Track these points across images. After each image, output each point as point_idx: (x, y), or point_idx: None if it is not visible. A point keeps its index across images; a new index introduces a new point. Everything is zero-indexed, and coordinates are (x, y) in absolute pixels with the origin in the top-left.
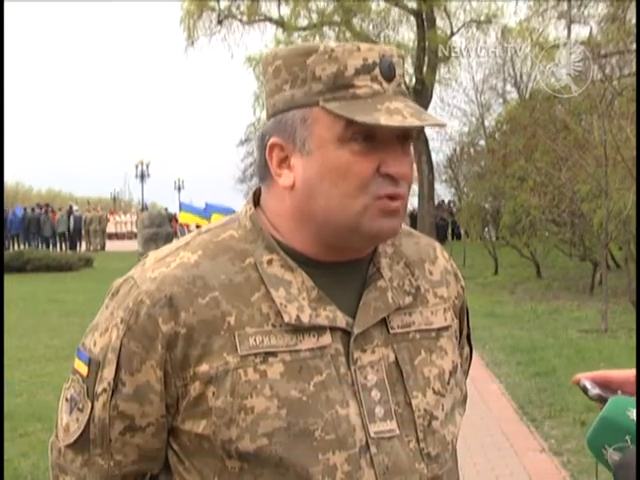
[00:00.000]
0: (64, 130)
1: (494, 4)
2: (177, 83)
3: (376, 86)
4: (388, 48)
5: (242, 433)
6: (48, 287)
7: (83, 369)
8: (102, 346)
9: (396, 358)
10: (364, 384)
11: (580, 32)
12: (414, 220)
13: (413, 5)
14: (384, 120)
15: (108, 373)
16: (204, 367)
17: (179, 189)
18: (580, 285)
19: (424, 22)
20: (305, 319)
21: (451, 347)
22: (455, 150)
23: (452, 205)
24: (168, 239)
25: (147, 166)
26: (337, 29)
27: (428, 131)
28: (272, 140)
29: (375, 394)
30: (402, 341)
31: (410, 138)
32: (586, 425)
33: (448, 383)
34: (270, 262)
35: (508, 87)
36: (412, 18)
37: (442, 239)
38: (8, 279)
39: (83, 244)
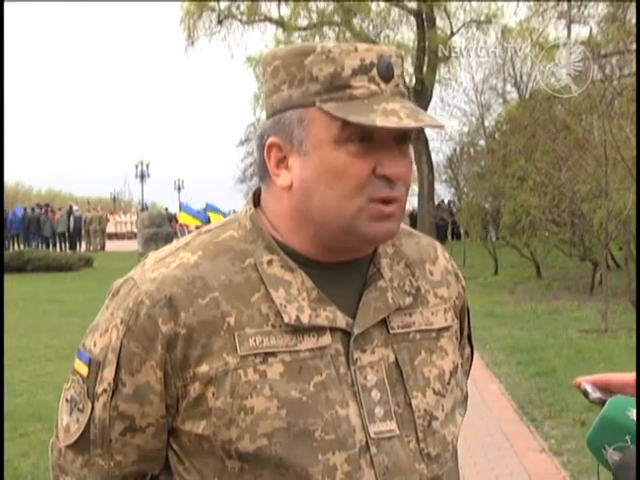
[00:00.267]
0: (64, 130)
1: (494, 4)
2: (177, 83)
3: (373, 87)
4: (386, 48)
5: (242, 433)
6: (48, 287)
7: (83, 370)
8: (102, 346)
9: (396, 358)
10: (364, 384)
11: (580, 32)
12: (414, 220)
13: (413, 5)
14: (380, 121)
15: (108, 374)
16: (204, 368)
17: (179, 189)
18: (580, 285)
19: (424, 22)
20: (305, 319)
21: (451, 347)
22: (455, 150)
23: (452, 205)
24: (168, 239)
25: (147, 166)
26: (337, 29)
27: (428, 131)
28: (270, 140)
29: (375, 394)
30: (402, 341)
31: (408, 139)
32: (586, 425)
33: (448, 383)
34: (270, 262)
35: (508, 87)
36: (412, 18)
37: (442, 239)
38: (8, 279)
39: (83, 244)
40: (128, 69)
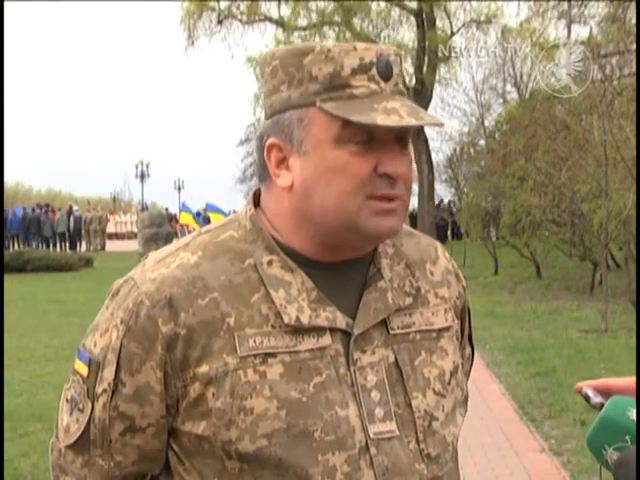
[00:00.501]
0: (64, 130)
1: (494, 4)
2: (177, 83)
3: (373, 86)
4: (385, 47)
5: (242, 434)
6: (48, 287)
7: (83, 370)
8: (102, 347)
9: (396, 359)
10: (364, 385)
11: (580, 32)
12: (414, 220)
13: (413, 5)
14: (381, 120)
15: (108, 374)
16: (204, 368)
17: (179, 189)
18: (580, 285)
19: (424, 22)
20: (305, 320)
21: (452, 348)
22: (455, 150)
23: (452, 205)
24: (168, 239)
25: (147, 166)
26: (337, 29)
27: (428, 131)
28: (270, 141)
29: (375, 395)
30: (402, 342)
31: (408, 138)
32: (586, 425)
33: (449, 384)
34: (270, 263)
35: (508, 87)
36: (412, 18)
37: (442, 239)
38: (8, 279)
39: (83, 244)
40: (128, 69)
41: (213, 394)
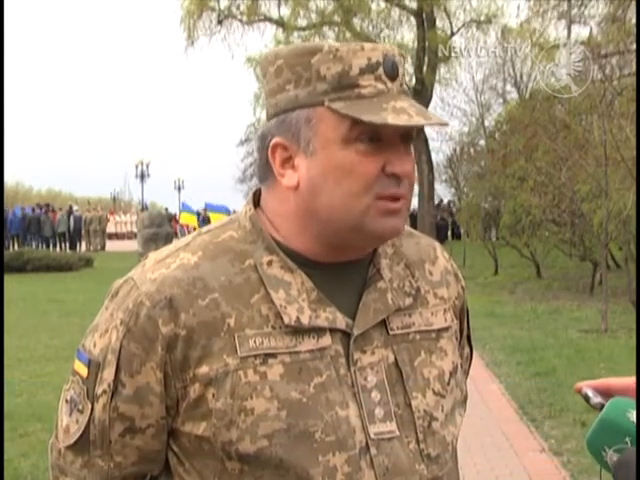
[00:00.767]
0: (64, 130)
1: (494, 4)
2: (177, 83)
3: (380, 85)
4: (390, 47)
5: (242, 435)
6: (48, 287)
7: (83, 370)
8: (102, 347)
9: (396, 359)
10: (364, 385)
11: (580, 32)
12: (414, 220)
13: (413, 5)
14: (391, 119)
15: (108, 374)
16: (204, 369)
17: (179, 189)
18: (580, 285)
19: (424, 22)
20: (305, 320)
21: (451, 348)
22: (455, 150)
23: (452, 205)
24: (168, 239)
25: (147, 166)
26: (337, 29)
27: (428, 131)
28: (275, 140)
29: (375, 395)
30: (402, 342)
31: (412, 137)
32: (586, 425)
33: (448, 384)
34: (270, 263)
35: (508, 87)
36: (412, 18)
37: (442, 239)
38: (8, 279)
39: (83, 244)
40: (128, 69)
41: (213, 395)
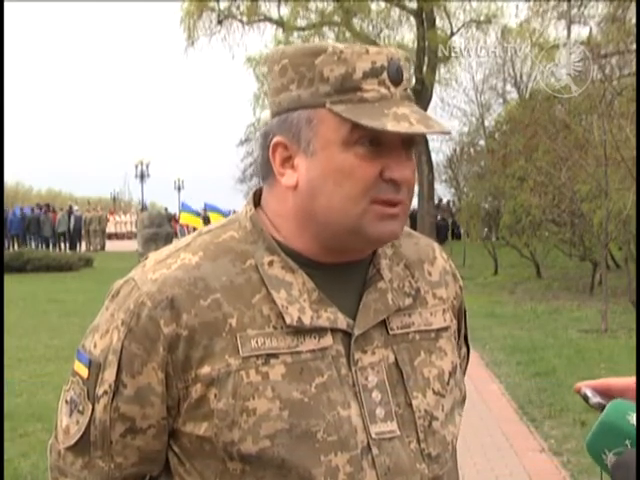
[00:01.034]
0: (64, 130)
1: (494, 4)
2: (177, 83)
3: (383, 90)
4: (395, 51)
5: (244, 435)
6: (48, 287)
7: (83, 371)
8: (103, 348)
9: (396, 359)
10: (365, 385)
11: (580, 32)
12: (414, 220)
13: (413, 5)
14: (391, 126)
15: (109, 375)
16: (206, 369)
17: (179, 189)
18: (580, 285)
19: (424, 22)
20: (306, 321)
21: (450, 348)
22: (455, 150)
23: (452, 205)
24: (168, 239)
25: (147, 166)
26: (337, 29)
27: None
28: (276, 139)
29: (376, 395)
30: (402, 342)
31: (414, 144)
32: (586, 425)
33: (448, 383)
34: (271, 263)
35: (508, 87)
36: (412, 18)
37: (442, 239)
38: (8, 279)
39: (83, 244)
40: (128, 69)
41: (215, 395)
